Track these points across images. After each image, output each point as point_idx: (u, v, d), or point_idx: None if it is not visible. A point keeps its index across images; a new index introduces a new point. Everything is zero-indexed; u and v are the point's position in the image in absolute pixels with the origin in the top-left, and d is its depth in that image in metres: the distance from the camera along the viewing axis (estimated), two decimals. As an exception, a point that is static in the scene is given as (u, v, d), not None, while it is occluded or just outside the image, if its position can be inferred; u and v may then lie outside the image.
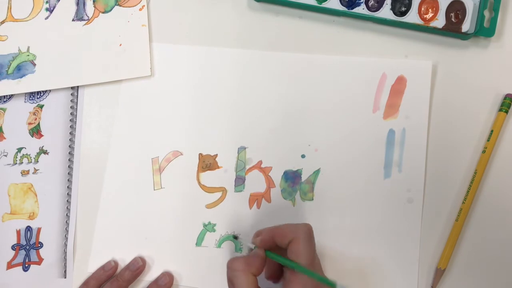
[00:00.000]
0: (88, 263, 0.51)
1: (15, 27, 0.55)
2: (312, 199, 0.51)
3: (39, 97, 0.55)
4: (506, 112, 0.50)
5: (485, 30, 0.50)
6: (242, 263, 0.41)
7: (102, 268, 0.50)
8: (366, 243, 0.49)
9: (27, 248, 0.52)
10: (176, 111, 0.53)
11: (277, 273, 0.45)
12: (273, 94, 0.52)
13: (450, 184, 0.50)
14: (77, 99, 0.54)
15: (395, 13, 0.51)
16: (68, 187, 0.52)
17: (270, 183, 0.51)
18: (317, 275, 0.39)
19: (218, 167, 0.52)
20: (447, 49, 0.52)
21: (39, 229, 0.52)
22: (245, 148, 0.52)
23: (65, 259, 0.51)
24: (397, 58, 0.52)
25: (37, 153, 0.53)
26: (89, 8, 0.55)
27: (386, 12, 0.51)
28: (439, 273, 0.48)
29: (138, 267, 0.49)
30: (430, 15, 0.51)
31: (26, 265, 0.52)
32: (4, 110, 0.55)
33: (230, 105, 0.53)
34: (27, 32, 0.55)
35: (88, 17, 0.55)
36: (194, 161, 0.52)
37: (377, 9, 0.51)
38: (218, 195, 0.51)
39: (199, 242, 0.51)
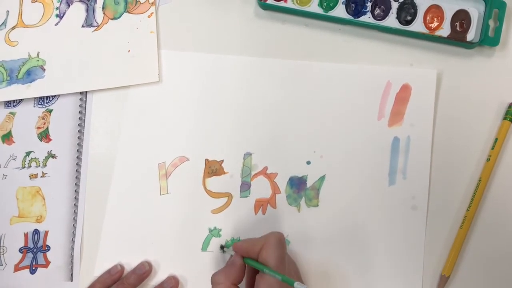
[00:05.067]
0: (95, 267, 0.51)
1: (26, 33, 0.56)
2: (317, 205, 0.51)
3: (48, 102, 0.55)
4: (511, 120, 0.50)
5: (490, 39, 0.51)
6: (222, 276, 0.43)
7: (108, 272, 0.51)
8: (370, 249, 0.50)
9: (35, 251, 0.52)
10: (183, 117, 0.53)
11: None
12: (279, 101, 0.53)
13: (454, 191, 0.50)
14: (85, 104, 0.55)
15: (400, 22, 0.52)
16: (75, 191, 0.53)
17: (275, 189, 0.52)
18: (279, 274, 0.40)
19: (224, 173, 0.52)
20: (452, 58, 0.52)
21: (46, 232, 0.53)
22: (251, 154, 0.52)
23: (72, 262, 0.52)
24: (402, 66, 0.53)
25: (45, 157, 0.54)
26: (99, 15, 0.56)
27: (391, 21, 0.52)
28: (443, 280, 0.48)
29: (144, 271, 0.50)
30: (435, 24, 0.51)
31: (33, 268, 0.52)
32: (13, 114, 0.55)
33: (236, 112, 0.53)
34: (37, 37, 0.56)
35: (97, 23, 0.56)
36: (200, 167, 0.52)
37: (383, 18, 0.52)
38: (223, 200, 0.52)
39: (204, 247, 0.51)
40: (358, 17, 0.52)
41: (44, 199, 0.53)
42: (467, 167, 0.51)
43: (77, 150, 0.54)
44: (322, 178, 0.51)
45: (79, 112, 0.55)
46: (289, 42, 0.54)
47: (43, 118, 0.55)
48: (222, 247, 0.50)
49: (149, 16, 0.55)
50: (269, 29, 0.54)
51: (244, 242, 0.45)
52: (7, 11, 0.57)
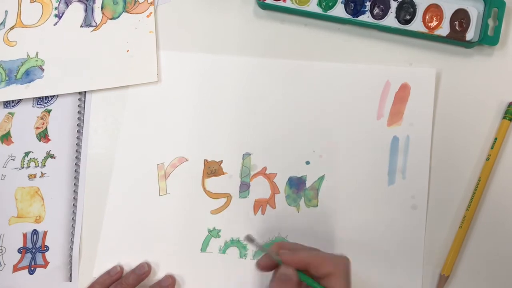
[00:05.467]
0: (94, 267, 0.51)
1: (24, 33, 0.56)
2: (317, 206, 0.51)
3: (47, 102, 0.55)
4: (510, 120, 0.50)
5: (489, 38, 0.51)
6: None
7: (108, 272, 0.50)
8: (370, 249, 0.50)
9: (33, 252, 0.52)
10: (182, 117, 0.53)
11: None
12: (278, 101, 0.53)
13: (454, 191, 0.50)
14: (84, 104, 0.55)
15: (399, 21, 0.51)
16: (74, 191, 0.53)
17: (274, 189, 0.52)
18: None
19: (223, 173, 0.52)
20: (451, 57, 0.52)
21: (45, 233, 0.53)
22: (250, 154, 0.52)
23: (70, 262, 0.52)
24: (401, 65, 0.52)
25: (44, 157, 0.54)
26: (97, 15, 0.56)
27: (390, 20, 0.52)
28: (443, 279, 0.48)
29: (144, 271, 0.50)
30: (434, 23, 0.51)
31: (32, 268, 0.52)
32: (12, 114, 0.55)
33: (235, 112, 0.53)
34: (36, 37, 0.56)
35: (96, 23, 0.55)
36: (199, 167, 0.52)
37: (382, 17, 0.52)
38: (223, 201, 0.52)
39: (203, 248, 0.51)
40: (357, 16, 0.52)
41: (43, 199, 0.53)
42: (466, 166, 0.50)
43: (76, 150, 0.54)
44: (321, 178, 0.51)
45: (78, 112, 0.55)
46: (288, 42, 0.54)
47: (42, 118, 0.55)
48: (249, 238, 0.41)
49: (148, 16, 0.55)
50: (268, 29, 0.54)
51: (303, 254, 0.40)
52: (6, 11, 0.57)
